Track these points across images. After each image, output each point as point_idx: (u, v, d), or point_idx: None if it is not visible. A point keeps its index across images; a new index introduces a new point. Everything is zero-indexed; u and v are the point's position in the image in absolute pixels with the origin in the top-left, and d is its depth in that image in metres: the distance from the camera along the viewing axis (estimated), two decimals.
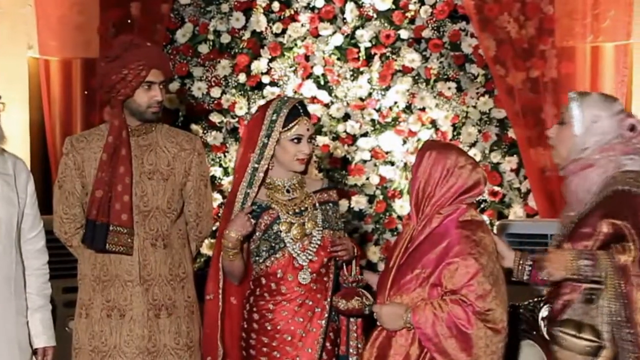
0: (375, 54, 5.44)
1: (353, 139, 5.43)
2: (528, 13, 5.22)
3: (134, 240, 3.75)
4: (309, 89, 5.43)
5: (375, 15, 5.44)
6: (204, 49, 5.56)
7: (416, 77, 5.41)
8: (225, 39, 5.54)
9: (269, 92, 5.46)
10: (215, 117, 5.50)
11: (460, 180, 3.33)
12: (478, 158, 5.24)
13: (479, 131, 5.37)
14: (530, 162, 5.22)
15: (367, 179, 5.39)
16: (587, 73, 5.19)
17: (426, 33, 5.41)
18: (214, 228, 4.11)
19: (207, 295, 3.59)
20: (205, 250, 5.21)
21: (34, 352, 3.59)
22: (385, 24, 5.43)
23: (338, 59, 5.45)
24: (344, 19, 5.47)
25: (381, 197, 5.38)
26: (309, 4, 5.50)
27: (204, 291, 3.62)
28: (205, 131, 5.49)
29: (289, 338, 3.48)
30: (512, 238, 4.63)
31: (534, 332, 3.78)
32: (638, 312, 2.97)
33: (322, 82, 5.46)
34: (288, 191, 3.60)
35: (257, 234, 3.52)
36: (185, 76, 5.57)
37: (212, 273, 3.59)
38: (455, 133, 5.38)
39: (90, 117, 5.51)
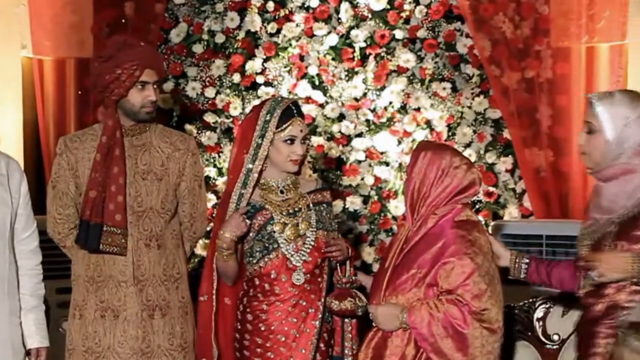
0: (370, 54, 5.42)
1: (348, 139, 5.41)
2: (523, 13, 5.21)
3: (128, 241, 3.73)
4: (303, 89, 5.41)
5: (370, 15, 5.42)
6: (198, 48, 5.55)
7: (411, 77, 5.40)
8: (220, 38, 5.53)
9: (264, 92, 5.44)
10: (209, 117, 5.49)
11: (455, 180, 3.33)
12: (473, 158, 5.23)
13: (474, 131, 5.35)
14: (525, 163, 5.22)
15: (362, 179, 5.37)
16: (582, 73, 5.17)
17: (421, 33, 5.40)
18: (208, 228, 4.10)
19: (201, 296, 3.58)
20: (200, 250, 5.19)
21: (28, 352, 3.58)
22: (380, 24, 5.42)
23: (333, 59, 5.43)
24: (339, 19, 5.46)
25: (376, 197, 5.37)
26: (303, 3, 5.48)
27: (197, 292, 3.61)
28: (199, 131, 5.47)
29: (283, 339, 3.47)
30: (507, 238, 4.62)
31: (529, 333, 3.79)
32: None
33: (316, 82, 5.44)
34: (282, 192, 3.59)
35: (250, 234, 3.51)
36: (180, 76, 5.55)
37: (206, 274, 3.58)
38: (450, 133, 5.36)
39: (84, 117, 5.48)
